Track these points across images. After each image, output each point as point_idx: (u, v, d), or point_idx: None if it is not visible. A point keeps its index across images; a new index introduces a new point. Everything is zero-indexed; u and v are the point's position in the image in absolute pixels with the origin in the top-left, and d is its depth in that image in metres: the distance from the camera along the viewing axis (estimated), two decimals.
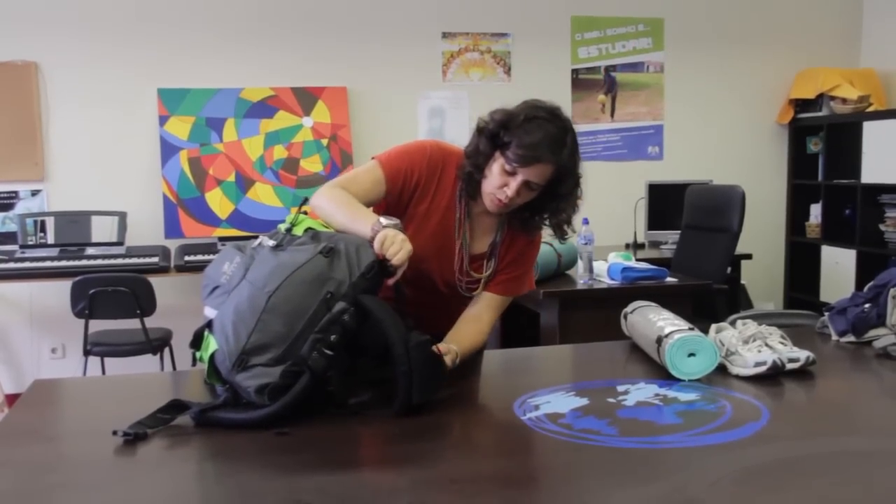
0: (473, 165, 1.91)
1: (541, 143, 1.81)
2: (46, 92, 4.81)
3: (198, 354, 1.69)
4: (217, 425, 1.53)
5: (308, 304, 1.56)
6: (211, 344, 1.63)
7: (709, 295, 4.06)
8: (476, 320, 2.02)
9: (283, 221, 1.77)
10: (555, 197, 1.92)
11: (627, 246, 5.34)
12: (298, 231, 1.71)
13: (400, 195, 1.97)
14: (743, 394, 1.75)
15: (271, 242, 1.67)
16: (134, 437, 1.46)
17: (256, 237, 1.75)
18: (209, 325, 1.65)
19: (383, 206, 1.98)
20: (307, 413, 1.56)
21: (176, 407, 1.57)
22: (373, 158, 2.00)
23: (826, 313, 2.28)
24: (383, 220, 1.73)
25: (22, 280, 4.38)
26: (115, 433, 1.46)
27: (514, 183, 1.85)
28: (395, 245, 1.67)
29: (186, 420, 1.55)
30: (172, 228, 4.77)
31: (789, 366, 1.87)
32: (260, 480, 1.31)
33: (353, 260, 1.62)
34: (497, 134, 1.86)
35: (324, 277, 1.58)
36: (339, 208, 1.83)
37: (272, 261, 1.63)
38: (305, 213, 1.81)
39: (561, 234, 1.99)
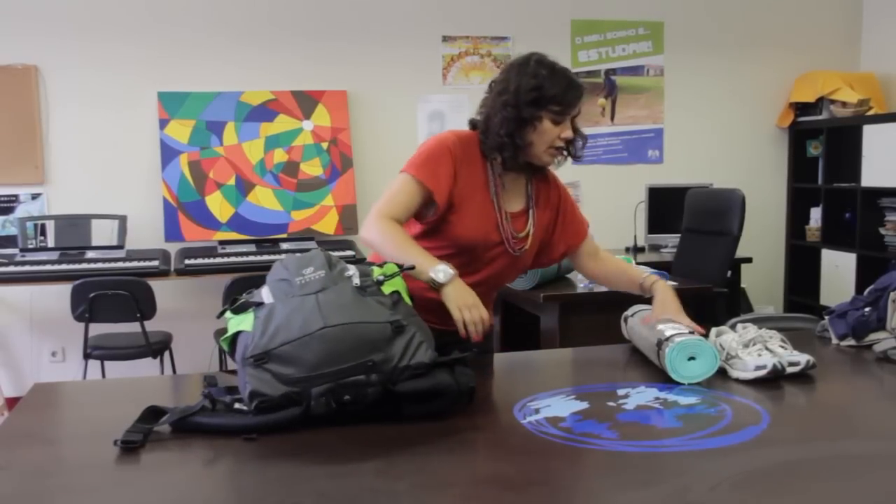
0: (519, 136, 2.01)
1: (572, 81, 2.03)
2: (46, 95, 4.82)
3: (227, 317, 1.67)
4: (193, 430, 1.54)
5: (349, 357, 1.55)
6: (248, 322, 1.62)
7: (709, 298, 4.06)
8: (597, 257, 2.28)
9: (342, 255, 1.76)
10: (578, 128, 2.09)
11: (628, 249, 5.34)
12: (387, 289, 1.68)
13: (451, 196, 2.04)
14: (743, 397, 1.75)
15: (358, 281, 1.66)
16: (141, 441, 1.47)
17: (308, 249, 1.74)
18: (258, 305, 1.64)
19: (446, 204, 2.04)
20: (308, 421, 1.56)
21: (154, 413, 1.57)
22: (401, 172, 2.06)
23: (826, 317, 2.28)
24: (440, 275, 1.85)
25: (22, 283, 4.37)
26: (115, 443, 1.47)
27: (567, 126, 2.03)
28: (475, 320, 1.84)
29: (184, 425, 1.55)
30: (172, 232, 4.78)
31: (789, 369, 1.87)
32: (259, 485, 1.31)
33: (410, 350, 1.61)
34: (537, 99, 1.99)
35: (378, 346, 1.58)
36: (389, 248, 1.94)
37: (348, 298, 1.62)
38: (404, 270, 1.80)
39: (579, 157, 2.13)
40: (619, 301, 3.68)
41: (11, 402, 4.56)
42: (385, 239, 1.95)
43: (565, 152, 2.10)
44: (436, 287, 1.86)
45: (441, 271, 1.86)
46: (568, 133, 2.03)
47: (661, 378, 1.88)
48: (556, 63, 2.06)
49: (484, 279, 2.11)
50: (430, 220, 2.07)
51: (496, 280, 2.17)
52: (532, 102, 1.99)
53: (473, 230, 2.06)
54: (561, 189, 2.25)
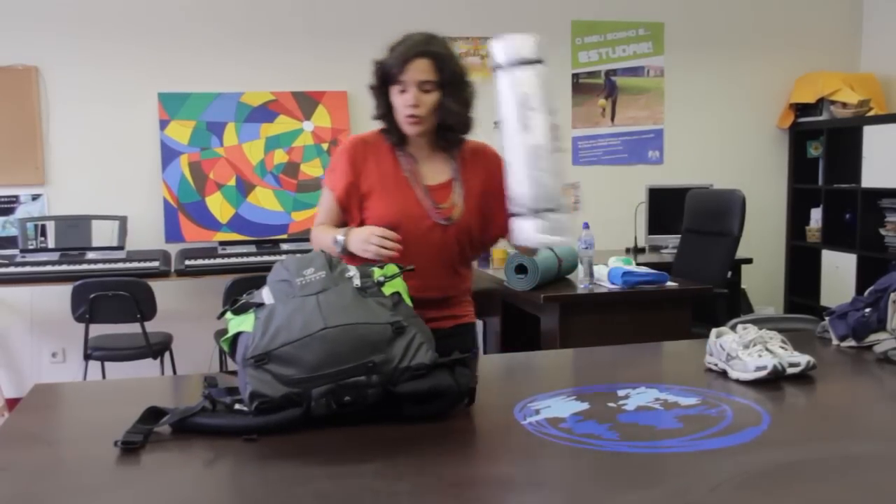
0: (387, 115, 2.14)
1: (408, 45, 2.09)
2: (47, 96, 4.82)
3: (228, 317, 1.68)
4: (193, 431, 1.54)
5: (349, 358, 1.56)
6: (248, 323, 1.62)
7: (709, 299, 4.06)
8: None
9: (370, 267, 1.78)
10: (449, 94, 2.12)
11: (628, 250, 5.33)
12: (388, 290, 1.70)
13: (353, 189, 2.18)
14: (743, 398, 1.75)
15: (359, 282, 1.67)
16: (141, 442, 1.47)
17: (308, 250, 1.79)
18: (259, 306, 1.65)
19: (351, 199, 2.19)
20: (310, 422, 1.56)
21: (154, 414, 1.57)
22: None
23: (826, 318, 2.28)
24: (338, 247, 2.05)
25: (22, 284, 4.37)
26: (116, 443, 1.47)
27: (409, 93, 2.07)
28: (378, 245, 1.97)
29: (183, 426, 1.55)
30: (173, 232, 4.78)
31: (790, 370, 1.87)
32: (260, 486, 1.31)
33: (411, 351, 1.61)
34: (381, 75, 2.11)
35: (379, 347, 1.58)
36: (316, 246, 2.17)
37: (349, 299, 1.63)
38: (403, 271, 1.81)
39: (465, 126, 2.18)
40: (620, 302, 3.69)
41: (12, 403, 4.56)
42: (314, 242, 2.20)
43: (416, 118, 2.09)
44: (346, 253, 2.03)
45: (337, 243, 2.05)
46: (407, 99, 2.07)
47: (662, 379, 1.88)
48: (408, 36, 2.13)
49: (428, 256, 2.11)
50: (353, 214, 2.19)
51: (443, 256, 2.16)
52: (379, 80, 2.12)
53: (391, 207, 2.13)
54: (493, 159, 2.24)
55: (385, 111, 2.14)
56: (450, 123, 2.14)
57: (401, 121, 2.11)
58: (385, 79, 2.11)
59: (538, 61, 1.97)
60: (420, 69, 2.07)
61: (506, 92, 1.95)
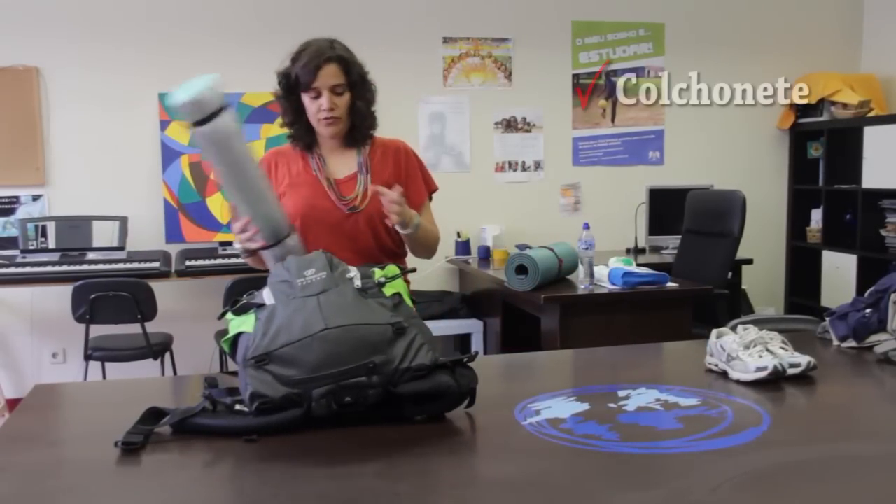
0: (296, 122, 2.25)
1: (313, 54, 2.17)
2: (47, 97, 4.82)
3: (228, 318, 1.68)
4: (193, 432, 1.54)
5: (350, 359, 1.56)
6: (249, 324, 1.63)
7: (710, 300, 4.06)
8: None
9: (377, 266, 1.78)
10: (358, 95, 2.27)
11: (628, 251, 5.33)
12: (389, 291, 1.70)
13: None
14: (744, 399, 1.75)
15: (360, 283, 1.68)
16: (142, 443, 1.47)
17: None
18: (260, 307, 1.65)
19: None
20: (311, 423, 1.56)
21: (155, 415, 1.57)
22: None
23: (827, 318, 2.28)
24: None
25: (23, 285, 4.37)
26: (116, 444, 1.47)
27: (323, 97, 2.18)
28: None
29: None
30: (173, 233, 4.78)
31: (790, 371, 1.87)
32: (261, 487, 1.31)
33: (411, 352, 1.61)
34: (288, 84, 2.21)
35: (379, 347, 1.58)
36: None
37: (350, 300, 1.63)
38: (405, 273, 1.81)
39: (373, 122, 2.36)
40: (620, 302, 3.69)
41: (12, 404, 4.56)
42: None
43: (332, 119, 2.21)
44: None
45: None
46: (322, 103, 2.18)
47: (663, 380, 1.88)
48: (309, 44, 2.21)
49: (344, 245, 2.16)
50: None
51: (358, 245, 2.21)
52: (286, 90, 2.22)
53: (300, 202, 2.23)
54: (403, 155, 2.39)
55: (294, 118, 2.25)
56: (360, 121, 2.28)
57: (316, 124, 2.23)
58: (293, 87, 2.21)
59: (200, 120, 2.07)
60: (331, 74, 2.18)
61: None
